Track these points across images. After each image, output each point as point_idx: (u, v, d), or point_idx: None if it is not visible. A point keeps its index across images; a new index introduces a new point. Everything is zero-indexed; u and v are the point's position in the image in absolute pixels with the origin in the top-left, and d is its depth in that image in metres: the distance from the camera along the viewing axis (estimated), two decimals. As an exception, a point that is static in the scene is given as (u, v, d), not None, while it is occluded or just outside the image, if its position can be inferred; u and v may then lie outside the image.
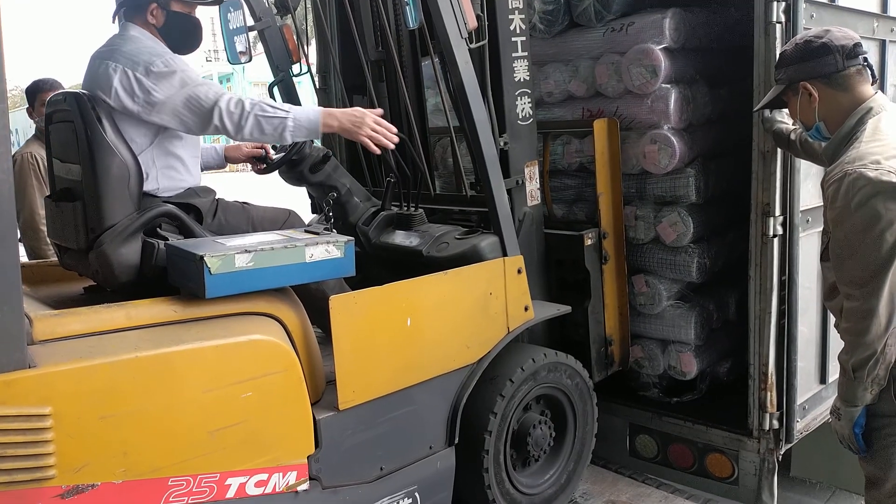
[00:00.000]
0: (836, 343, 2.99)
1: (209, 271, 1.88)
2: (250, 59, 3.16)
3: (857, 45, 1.96)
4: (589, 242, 2.95)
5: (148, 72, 2.12)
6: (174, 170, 2.28)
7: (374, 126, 2.36)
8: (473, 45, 2.52)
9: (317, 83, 3.75)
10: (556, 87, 3.28)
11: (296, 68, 3.27)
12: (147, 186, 2.19)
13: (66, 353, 1.70)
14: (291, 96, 3.25)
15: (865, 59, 1.96)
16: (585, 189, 3.27)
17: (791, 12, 2.57)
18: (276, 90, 3.25)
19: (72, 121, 2.13)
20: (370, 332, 2.21)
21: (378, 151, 2.43)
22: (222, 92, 2.22)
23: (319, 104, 3.66)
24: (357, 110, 2.37)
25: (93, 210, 2.11)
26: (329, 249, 2.12)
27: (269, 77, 3.43)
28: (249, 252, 1.95)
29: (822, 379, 2.99)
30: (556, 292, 3.00)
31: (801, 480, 3.63)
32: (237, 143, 2.65)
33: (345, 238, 2.16)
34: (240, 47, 3.20)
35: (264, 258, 1.99)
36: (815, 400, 2.94)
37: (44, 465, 1.63)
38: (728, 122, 3.19)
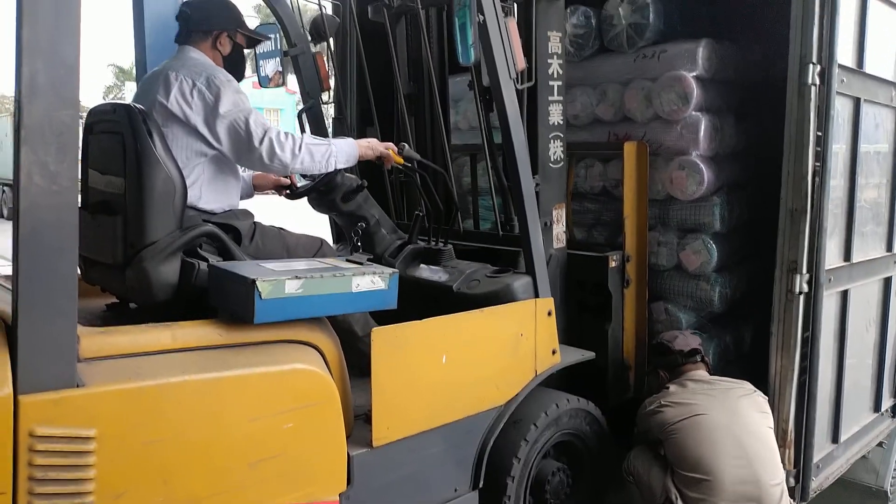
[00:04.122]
0: (848, 403, 3.05)
1: (260, 296, 1.83)
2: (281, 84, 3.16)
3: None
4: (613, 265, 2.94)
5: (210, 84, 2.13)
6: (220, 189, 2.25)
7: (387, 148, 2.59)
8: (521, 87, 2.54)
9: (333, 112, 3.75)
10: (583, 111, 3.33)
11: (324, 96, 3.28)
12: (191, 198, 2.15)
13: (114, 373, 1.62)
14: (319, 123, 3.24)
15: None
16: (605, 213, 3.29)
17: (825, 76, 2.64)
18: (304, 117, 3.24)
19: (119, 132, 2.07)
20: (409, 367, 2.16)
21: (399, 163, 2.58)
22: (269, 124, 2.24)
23: (334, 133, 3.66)
24: (373, 140, 2.60)
25: (134, 225, 2.04)
26: (374, 280, 2.07)
27: (279, 104, 3.43)
28: (300, 279, 1.90)
29: (835, 438, 3.00)
30: (574, 314, 2.98)
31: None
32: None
33: (390, 270, 2.13)
34: (269, 71, 3.20)
35: (313, 286, 1.94)
36: (828, 459, 2.96)
37: (83, 492, 1.54)
38: (752, 155, 3.27)
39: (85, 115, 2.43)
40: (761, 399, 2.64)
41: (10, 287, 1.80)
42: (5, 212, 17.09)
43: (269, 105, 20.80)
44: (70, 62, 1.49)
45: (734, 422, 2.50)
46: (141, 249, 2.03)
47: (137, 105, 2.13)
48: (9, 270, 1.57)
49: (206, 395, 1.72)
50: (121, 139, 2.06)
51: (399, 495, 2.18)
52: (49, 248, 1.48)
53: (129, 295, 2.21)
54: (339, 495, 2.00)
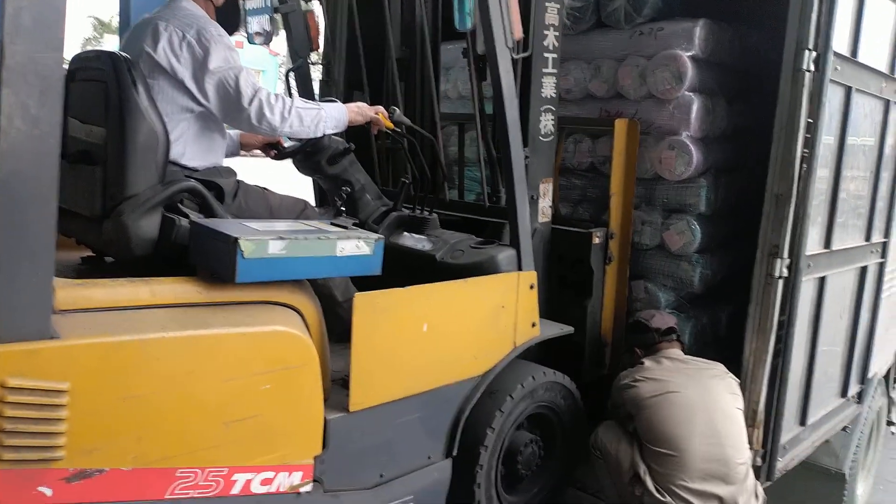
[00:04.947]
0: (817, 387, 3.10)
1: (242, 255, 1.79)
2: (268, 42, 3.08)
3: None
4: (596, 241, 2.94)
5: (200, 37, 2.06)
6: (205, 146, 2.19)
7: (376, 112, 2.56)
8: (517, 56, 2.50)
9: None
10: (576, 85, 3.30)
11: (313, 56, 3.21)
12: (174, 153, 2.09)
13: (90, 327, 1.59)
14: (307, 84, 3.18)
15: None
16: (592, 190, 3.29)
17: (820, 62, 2.63)
18: (291, 76, 3.17)
19: (102, 81, 2.00)
20: (390, 333, 2.15)
21: (388, 127, 2.55)
22: (260, 84, 2.17)
23: (321, 96, 3.60)
24: (363, 104, 2.55)
25: (114, 176, 1.99)
26: (359, 245, 2.05)
27: (261, 65, 3.36)
28: (284, 239, 1.87)
29: (803, 421, 3.06)
30: (555, 289, 2.98)
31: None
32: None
33: (375, 235, 2.10)
34: (256, 28, 3.12)
35: (297, 247, 1.91)
36: (795, 441, 3.01)
37: (54, 445, 1.52)
38: (741, 139, 3.27)
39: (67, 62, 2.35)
40: (733, 381, 2.68)
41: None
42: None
43: (251, 66, 20.24)
44: (57, 3, 1.43)
45: (706, 401, 2.53)
46: (120, 202, 1.98)
47: (123, 53, 2.06)
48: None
49: (184, 353, 1.69)
50: (104, 88, 1.99)
51: (373, 460, 2.18)
52: (27, 195, 1.44)
53: (106, 249, 2.17)
54: (314, 458, 1.99)
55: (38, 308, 1.48)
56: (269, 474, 1.89)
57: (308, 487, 1.98)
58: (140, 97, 1.97)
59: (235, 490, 1.83)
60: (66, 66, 2.24)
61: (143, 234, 2.00)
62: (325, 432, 2.01)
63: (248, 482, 1.85)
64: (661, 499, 2.39)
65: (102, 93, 1.99)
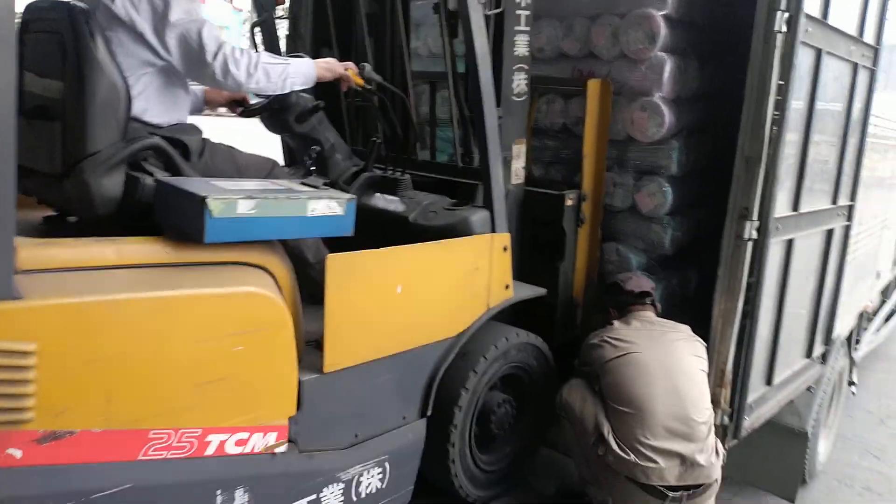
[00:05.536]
0: (785, 346, 3.16)
1: (210, 214, 1.75)
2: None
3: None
4: (569, 203, 2.94)
5: None
6: (168, 102, 2.11)
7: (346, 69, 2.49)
8: (490, 12, 2.46)
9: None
10: (548, 44, 3.26)
11: (278, 10, 3.12)
12: (136, 110, 2.02)
13: (56, 287, 1.54)
14: (273, 39, 3.09)
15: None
16: (564, 151, 3.26)
17: (792, 23, 2.63)
18: (255, 31, 3.08)
19: (58, 32, 1.92)
20: (363, 295, 2.13)
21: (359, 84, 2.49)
22: (224, 38, 2.09)
23: (287, 52, 3.50)
24: (332, 60, 2.47)
25: (74, 133, 1.92)
26: (331, 205, 2.02)
27: (224, 21, 3.26)
28: (253, 199, 1.83)
29: (769, 380, 3.12)
30: (528, 251, 2.99)
31: (729, 479, 3.80)
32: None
33: (347, 195, 2.07)
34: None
35: (267, 207, 1.87)
36: (761, 400, 3.07)
37: (23, 407, 1.49)
38: (712, 100, 3.27)
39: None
40: (698, 344, 2.72)
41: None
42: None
43: (213, 22, 19.75)
44: None
45: (668, 362, 2.57)
46: (81, 160, 1.91)
47: (79, 3, 1.96)
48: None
49: (154, 314, 1.65)
50: (60, 39, 1.91)
51: (348, 421, 2.18)
52: (-17, 150, 1.38)
53: (68, 207, 2.10)
54: (289, 419, 1.99)
55: (0, 268, 1.43)
56: (244, 435, 1.88)
57: (283, 448, 1.98)
58: (98, 50, 1.90)
59: (210, 451, 1.82)
60: (19, 17, 2.14)
61: (106, 193, 1.94)
62: (299, 393, 2.00)
63: (223, 443, 1.84)
64: (624, 456, 2.43)
65: (59, 45, 1.91)
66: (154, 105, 2.10)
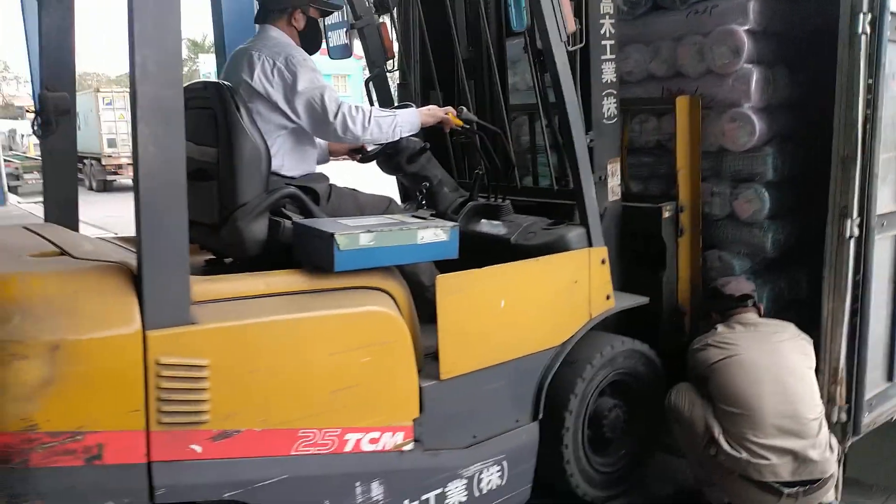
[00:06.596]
0: (903, 343, 3.11)
1: (338, 248, 2.09)
2: (347, 56, 3.38)
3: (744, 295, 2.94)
4: (667, 215, 3.09)
5: (288, 63, 2.38)
6: (300, 156, 2.52)
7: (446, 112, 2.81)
8: (572, 48, 2.69)
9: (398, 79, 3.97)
10: (637, 67, 3.44)
11: (389, 64, 3.49)
12: (274, 165, 2.43)
13: (221, 314, 1.92)
14: (385, 90, 3.47)
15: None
16: (660, 167, 3.41)
17: (877, 24, 2.67)
18: (370, 84, 3.47)
19: (210, 107, 2.35)
20: (470, 310, 2.40)
21: (458, 125, 2.78)
22: (340, 99, 2.48)
23: (399, 99, 3.88)
24: (433, 107, 2.82)
25: (226, 188, 2.34)
26: (437, 233, 2.31)
27: (347, 69, 3.66)
28: (372, 232, 2.16)
29: (890, 376, 3.08)
30: (631, 264, 3.14)
31: (857, 481, 3.69)
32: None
33: (451, 223, 2.35)
34: (335, 41, 3.43)
35: (384, 238, 2.19)
36: (882, 397, 3.04)
37: (201, 411, 1.86)
38: (806, 106, 3.30)
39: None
40: (804, 342, 2.76)
41: (127, 246, 2.14)
42: (93, 184, 18.00)
43: (337, 72, 21.28)
44: (173, 48, 1.76)
45: (774, 361, 2.63)
46: (234, 210, 2.32)
47: (226, 83, 2.40)
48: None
49: (295, 333, 2.01)
50: (213, 113, 2.34)
51: (466, 423, 2.44)
52: (164, 209, 1.78)
53: (224, 251, 2.52)
54: (413, 421, 2.28)
55: (179, 300, 1.83)
56: (376, 434, 2.19)
57: (410, 446, 2.27)
58: (243, 120, 2.31)
59: (348, 448, 2.13)
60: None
61: (254, 236, 2.34)
62: (420, 398, 2.28)
63: (359, 441, 2.15)
64: (736, 454, 2.52)
65: (212, 118, 2.34)
66: (288, 160, 2.50)
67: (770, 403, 2.55)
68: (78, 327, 1.71)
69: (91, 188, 17.88)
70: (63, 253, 2.02)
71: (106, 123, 17.74)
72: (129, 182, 16.62)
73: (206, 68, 24.18)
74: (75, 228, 2.61)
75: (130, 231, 1.91)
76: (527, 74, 3.96)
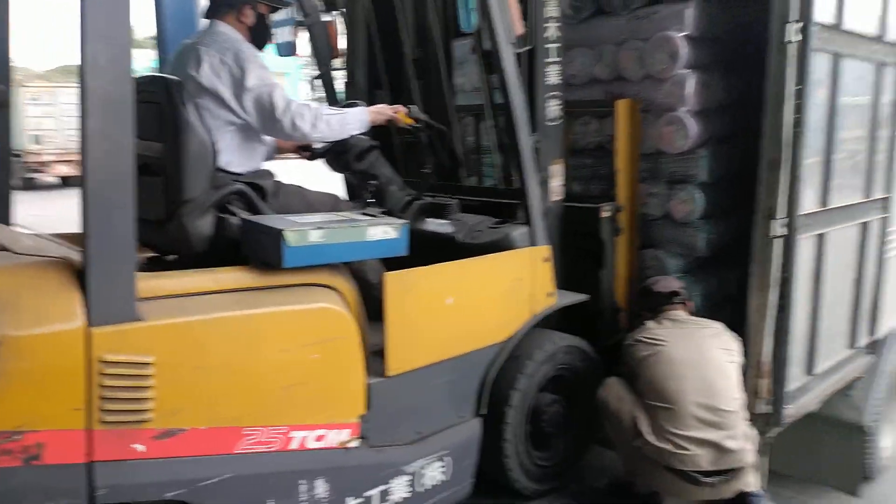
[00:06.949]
0: (824, 339, 3.29)
1: (287, 244, 2.09)
2: (293, 53, 3.37)
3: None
4: (605, 215, 3.19)
5: (237, 59, 2.36)
6: (248, 152, 2.50)
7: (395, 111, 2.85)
8: (520, 50, 2.75)
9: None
10: (581, 70, 3.53)
11: (335, 63, 3.49)
12: (221, 162, 2.41)
13: (167, 310, 1.90)
14: (331, 88, 3.46)
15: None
16: (601, 168, 3.50)
17: (804, 33, 2.81)
18: (315, 83, 3.46)
19: (157, 102, 2.32)
20: (417, 307, 2.44)
21: (407, 123, 2.82)
22: (289, 97, 2.47)
23: (346, 98, 3.88)
24: (382, 105, 2.85)
25: (172, 184, 2.31)
26: (387, 230, 2.33)
27: (284, 68, 3.65)
28: (322, 229, 2.17)
29: (810, 370, 3.26)
30: (572, 262, 3.21)
31: (778, 474, 3.86)
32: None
33: (400, 221, 2.38)
34: (280, 38, 3.41)
35: (333, 235, 2.20)
36: (803, 389, 3.20)
37: (144, 409, 1.84)
38: (739, 109, 3.44)
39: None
40: (729, 338, 2.89)
41: (67, 243, 2.10)
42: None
43: (274, 69, 20.76)
44: (124, 45, 1.74)
45: (698, 356, 2.75)
46: (180, 206, 2.30)
47: (173, 77, 2.37)
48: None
49: (244, 330, 2.01)
50: (159, 108, 2.31)
51: (411, 419, 2.48)
52: (112, 203, 1.76)
53: (169, 248, 2.49)
54: (359, 418, 2.30)
55: (125, 296, 1.81)
56: (322, 432, 2.21)
57: (355, 443, 2.29)
58: (190, 115, 2.29)
59: (294, 445, 2.15)
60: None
61: (201, 233, 2.32)
62: (367, 395, 2.31)
63: (304, 439, 2.17)
64: (659, 445, 2.63)
65: (158, 113, 2.31)
66: (236, 157, 2.49)
67: (691, 396, 2.66)
68: (19, 323, 1.69)
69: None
70: (2, 249, 1.96)
71: (30, 119, 16.91)
72: (53, 180, 16.03)
73: (139, 63, 23.34)
74: (6, 223, 2.54)
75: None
76: (473, 75, 4.03)
